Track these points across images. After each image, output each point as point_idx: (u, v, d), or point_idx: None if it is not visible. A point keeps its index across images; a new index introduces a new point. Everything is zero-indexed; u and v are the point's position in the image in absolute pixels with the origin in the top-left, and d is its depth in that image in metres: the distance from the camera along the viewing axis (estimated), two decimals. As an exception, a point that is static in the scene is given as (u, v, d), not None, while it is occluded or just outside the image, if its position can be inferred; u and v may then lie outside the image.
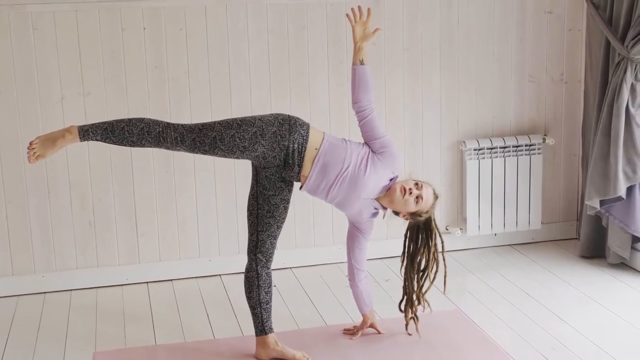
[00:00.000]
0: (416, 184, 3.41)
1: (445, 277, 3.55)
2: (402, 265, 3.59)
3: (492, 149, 4.69)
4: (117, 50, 4.22)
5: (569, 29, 4.77)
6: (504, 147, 4.71)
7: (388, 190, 3.40)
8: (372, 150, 3.39)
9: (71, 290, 4.34)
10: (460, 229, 4.79)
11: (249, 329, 3.63)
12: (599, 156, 4.41)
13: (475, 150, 4.67)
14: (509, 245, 4.90)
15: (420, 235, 3.52)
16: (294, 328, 3.82)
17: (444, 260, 3.54)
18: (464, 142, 4.67)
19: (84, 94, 4.21)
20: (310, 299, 4.18)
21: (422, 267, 3.55)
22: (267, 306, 3.44)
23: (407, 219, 3.48)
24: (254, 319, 3.46)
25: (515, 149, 4.73)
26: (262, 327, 3.44)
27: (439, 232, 3.52)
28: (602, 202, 4.43)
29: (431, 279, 3.54)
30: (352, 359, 3.49)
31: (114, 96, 4.25)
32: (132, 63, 4.24)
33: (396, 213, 3.48)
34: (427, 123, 4.68)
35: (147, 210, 4.40)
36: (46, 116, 4.19)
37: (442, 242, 3.53)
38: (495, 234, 4.86)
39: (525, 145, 4.74)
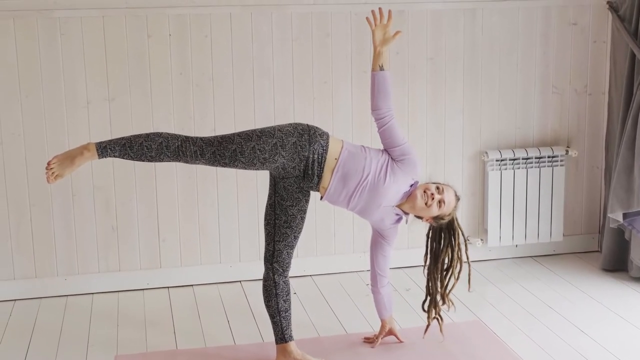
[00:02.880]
0: (437, 187, 3.39)
1: (469, 275, 3.53)
2: (425, 265, 3.58)
3: (514, 160, 4.68)
4: (143, 56, 4.25)
5: (594, 41, 4.76)
6: (527, 159, 4.70)
7: (409, 196, 3.38)
8: (391, 158, 3.37)
9: (93, 293, 4.37)
10: (481, 239, 4.78)
11: (270, 335, 3.63)
12: (622, 169, 4.39)
13: (497, 160, 4.66)
14: (530, 256, 4.88)
15: (444, 234, 3.50)
16: (314, 335, 3.82)
17: (467, 258, 3.52)
18: (486, 152, 4.66)
19: (110, 99, 4.25)
20: (330, 307, 4.18)
21: (445, 266, 3.53)
22: (287, 314, 3.44)
23: (430, 223, 3.47)
24: (273, 327, 3.46)
25: (537, 160, 4.72)
26: (282, 335, 3.45)
27: (462, 231, 3.50)
28: (625, 215, 4.40)
29: (456, 277, 3.51)
30: (372, 367, 3.49)
31: (139, 101, 4.28)
32: (157, 69, 4.27)
33: (419, 217, 3.47)
34: (450, 133, 4.68)
35: (169, 216, 4.42)
36: (72, 120, 4.23)
37: (466, 241, 3.51)
38: (517, 245, 4.84)
39: (548, 157, 4.73)
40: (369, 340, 3.71)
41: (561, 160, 4.76)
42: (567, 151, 4.77)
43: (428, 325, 3.63)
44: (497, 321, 3.95)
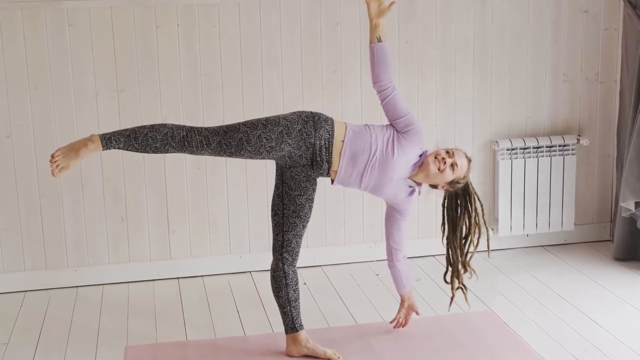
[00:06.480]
0: (447, 152, 3.38)
1: (488, 241, 3.53)
2: (443, 235, 3.56)
3: (525, 149, 4.65)
4: (151, 47, 4.24)
5: (605, 29, 4.71)
6: (537, 147, 4.67)
7: (421, 166, 3.37)
8: (396, 130, 3.36)
9: (103, 284, 4.38)
10: (492, 229, 4.75)
11: (280, 325, 3.62)
12: (634, 157, 4.36)
13: (508, 150, 4.64)
14: (541, 246, 4.85)
15: (459, 201, 3.49)
16: (324, 326, 3.82)
17: (485, 223, 3.51)
18: (497, 141, 4.64)
19: (118, 89, 4.24)
20: (340, 297, 4.17)
21: (464, 233, 3.51)
22: (296, 304, 3.44)
23: (446, 189, 3.45)
24: (283, 318, 3.46)
25: (548, 149, 4.68)
26: (292, 324, 3.44)
27: (477, 196, 3.49)
28: (637, 204, 4.38)
29: (475, 244, 3.50)
30: (382, 358, 3.47)
31: (148, 92, 4.27)
32: (166, 60, 4.26)
33: (433, 186, 3.45)
34: (460, 122, 4.65)
35: (178, 207, 4.42)
36: (80, 111, 4.23)
37: (482, 205, 3.50)
38: (528, 235, 4.82)
39: (559, 146, 4.70)
40: (397, 324, 3.69)
41: (572, 149, 4.72)
42: (578, 140, 4.73)
43: (453, 297, 3.60)
44: (508, 311, 3.94)
